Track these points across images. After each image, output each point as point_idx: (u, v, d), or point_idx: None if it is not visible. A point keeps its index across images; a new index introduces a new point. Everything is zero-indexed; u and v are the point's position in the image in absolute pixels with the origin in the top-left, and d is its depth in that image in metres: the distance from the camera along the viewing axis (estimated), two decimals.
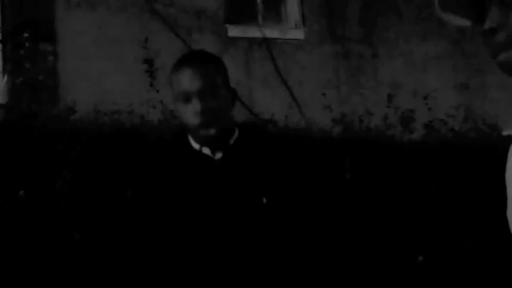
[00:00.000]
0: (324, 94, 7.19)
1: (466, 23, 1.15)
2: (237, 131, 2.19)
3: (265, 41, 7.66)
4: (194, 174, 2.13)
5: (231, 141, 2.17)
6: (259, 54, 7.65)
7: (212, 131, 2.08)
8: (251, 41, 7.64)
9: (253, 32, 7.67)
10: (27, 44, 6.32)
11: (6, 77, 6.47)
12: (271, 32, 7.76)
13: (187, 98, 2.09)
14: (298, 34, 7.89)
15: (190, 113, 2.08)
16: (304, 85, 7.71)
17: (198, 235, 2.08)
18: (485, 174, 5.10)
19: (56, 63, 6.70)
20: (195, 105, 2.07)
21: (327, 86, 7.71)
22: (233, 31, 7.61)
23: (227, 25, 7.58)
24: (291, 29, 7.90)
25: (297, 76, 7.73)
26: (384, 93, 7.14)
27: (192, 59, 2.17)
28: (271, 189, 2.11)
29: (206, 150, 2.15)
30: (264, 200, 2.08)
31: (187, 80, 2.09)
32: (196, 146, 2.16)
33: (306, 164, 2.22)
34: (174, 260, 2.10)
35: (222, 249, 2.07)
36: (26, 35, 6.33)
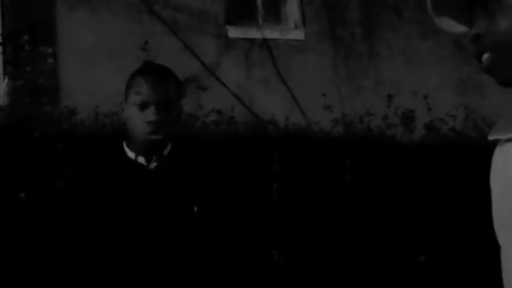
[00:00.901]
0: (324, 94, 7.19)
1: (460, 28, 1.18)
2: (170, 143, 2.32)
3: (266, 42, 7.66)
4: (129, 181, 2.24)
5: (165, 152, 2.29)
6: (260, 55, 7.65)
7: (158, 136, 2.22)
8: (251, 42, 7.64)
9: (253, 33, 7.67)
10: (27, 47, 6.33)
11: (6, 80, 6.47)
12: (272, 33, 7.76)
13: (143, 106, 2.22)
14: (299, 35, 7.89)
15: (142, 120, 2.21)
16: (304, 86, 7.71)
17: (130, 241, 2.19)
18: (486, 174, 5.09)
19: (56, 65, 6.71)
20: (150, 114, 2.20)
21: (328, 86, 7.71)
22: (233, 32, 7.60)
23: (227, 26, 7.58)
24: (291, 30, 7.90)
25: (297, 77, 7.73)
26: (384, 93, 7.14)
27: (158, 71, 2.31)
28: (202, 198, 2.25)
29: (141, 160, 2.27)
30: (195, 209, 2.22)
31: (151, 90, 2.23)
32: (131, 154, 2.29)
33: (233, 176, 2.39)
34: (106, 265, 2.21)
35: (153, 255, 2.18)
36: (26, 37, 6.34)
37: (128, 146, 2.31)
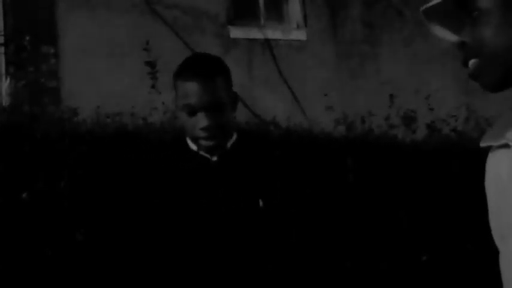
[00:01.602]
0: (326, 95, 7.19)
1: (451, 36, 1.22)
2: (236, 134, 2.17)
3: (267, 42, 7.66)
4: (191, 174, 2.12)
5: (228, 145, 2.14)
6: (262, 55, 7.65)
7: (212, 143, 2.07)
8: (253, 42, 7.64)
9: (255, 33, 7.68)
10: (29, 47, 6.33)
11: (8, 80, 6.48)
12: (273, 33, 7.76)
13: (192, 112, 2.05)
14: (300, 35, 7.89)
15: (194, 126, 2.06)
16: (306, 86, 7.71)
17: (194, 237, 2.06)
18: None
19: (58, 65, 6.71)
20: (201, 120, 2.04)
21: (329, 86, 7.71)
22: (235, 32, 7.61)
23: (229, 26, 7.58)
24: (293, 30, 7.90)
25: (299, 77, 7.73)
26: (386, 94, 7.14)
27: (200, 69, 2.07)
28: (268, 193, 2.08)
29: (203, 152, 2.13)
30: (261, 204, 2.05)
31: (195, 94, 2.04)
32: (194, 147, 2.15)
33: (304, 169, 2.21)
34: (169, 261, 2.08)
35: (218, 251, 2.04)
36: (28, 37, 6.34)
37: (191, 139, 2.16)
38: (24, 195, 3.85)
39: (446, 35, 1.25)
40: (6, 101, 6.31)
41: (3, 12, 6.73)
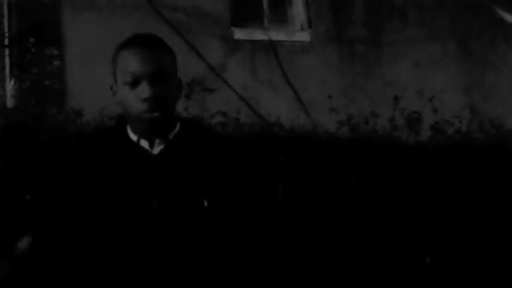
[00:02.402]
0: (330, 96, 7.18)
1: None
2: (179, 125, 2.00)
3: (271, 44, 7.66)
4: (129, 167, 1.94)
5: (171, 136, 1.97)
6: (265, 56, 7.65)
7: (156, 114, 1.90)
8: (257, 43, 7.65)
9: (259, 35, 7.68)
10: (33, 49, 6.34)
11: (13, 82, 6.49)
12: (277, 35, 7.76)
13: (135, 82, 1.92)
14: (304, 36, 7.89)
15: (136, 98, 1.91)
16: (310, 87, 7.71)
17: (127, 235, 1.89)
18: (492, 175, 5.09)
19: (62, 67, 6.72)
20: (143, 90, 1.90)
21: (333, 88, 7.70)
22: (239, 34, 7.61)
23: (233, 28, 7.58)
24: (296, 32, 7.90)
25: (303, 78, 7.73)
26: (390, 95, 7.13)
27: (145, 40, 1.99)
28: (213, 191, 1.91)
29: (144, 143, 1.95)
30: (205, 203, 1.89)
31: (139, 62, 1.93)
32: (134, 137, 1.98)
33: (249, 167, 2.02)
34: (103, 264, 1.92)
35: (153, 255, 1.88)
36: (32, 39, 6.35)
37: (131, 128, 1.99)
38: (27, 196, 3.86)
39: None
40: (10, 103, 6.32)
41: (7, 14, 6.74)
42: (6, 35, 6.52)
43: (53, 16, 6.81)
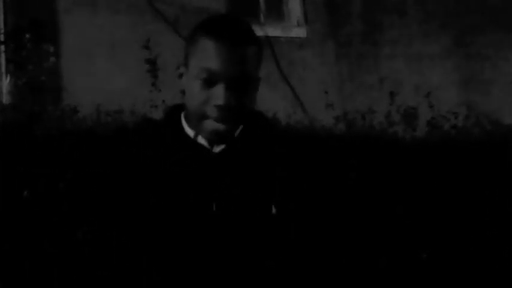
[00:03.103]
0: (326, 92, 7.19)
1: None
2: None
3: (267, 40, 7.66)
4: (185, 166, 1.62)
5: (236, 133, 1.65)
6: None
7: (223, 127, 1.59)
8: None
9: (255, 31, 7.67)
10: (29, 45, 6.33)
11: (8, 78, 6.48)
12: (274, 31, 7.75)
13: (210, 80, 1.56)
14: (301, 32, 7.88)
15: (206, 100, 1.57)
16: (306, 83, 7.70)
17: (181, 243, 1.59)
18: (489, 171, 5.10)
19: (58, 63, 6.71)
20: (219, 95, 1.55)
21: (330, 84, 7.70)
22: None
23: None
24: (293, 28, 7.90)
25: (300, 74, 7.73)
26: (386, 91, 7.14)
27: (235, 33, 1.60)
28: (283, 197, 1.63)
29: (203, 140, 1.63)
30: (274, 210, 1.61)
31: (222, 60, 1.55)
32: (190, 132, 1.65)
33: (326, 168, 1.77)
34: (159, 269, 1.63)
35: (211, 266, 1.59)
36: (28, 36, 6.34)
37: (187, 122, 1.65)
38: (25, 193, 3.86)
39: None
40: (6, 99, 6.31)
41: (3, 10, 6.72)
42: (2, 31, 6.50)
43: (49, 12, 6.79)
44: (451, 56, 8.35)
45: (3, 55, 6.56)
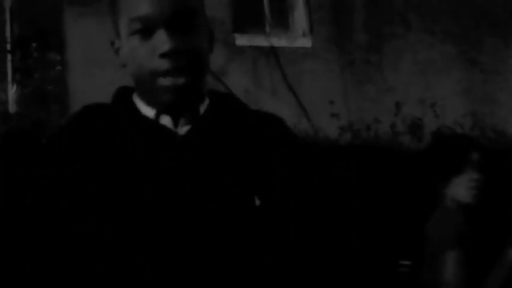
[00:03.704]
0: (331, 102, 7.19)
1: None
2: (207, 98, 1.41)
3: (273, 50, 7.67)
4: (146, 154, 1.30)
5: (202, 110, 1.37)
6: (267, 62, 7.66)
7: (182, 80, 1.29)
8: (259, 49, 7.65)
9: (260, 41, 7.69)
10: (35, 54, 6.35)
11: (15, 87, 6.50)
12: (279, 41, 7.77)
13: (147, 30, 1.29)
14: (306, 42, 7.90)
15: (150, 53, 1.29)
16: (311, 93, 7.71)
17: (149, 247, 1.27)
18: (494, 180, 5.08)
19: (64, 72, 6.73)
20: (161, 41, 1.27)
21: (335, 94, 7.71)
22: (241, 40, 7.62)
23: (235, 34, 7.59)
24: (298, 38, 7.91)
25: (305, 84, 7.74)
26: (391, 101, 7.14)
27: None
28: (267, 185, 1.34)
29: (166, 120, 1.34)
30: (257, 201, 1.32)
31: (150, 1, 1.28)
32: (150, 112, 1.35)
33: (304, 153, 1.48)
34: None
35: (188, 268, 1.28)
36: (34, 45, 6.37)
37: (144, 100, 1.36)
38: (28, 201, 3.86)
39: None
40: (12, 108, 6.33)
41: (10, 20, 6.75)
42: (8, 40, 6.53)
43: (55, 21, 6.82)
44: (456, 66, 8.36)
45: (9, 64, 6.59)
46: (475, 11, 8.53)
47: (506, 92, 8.44)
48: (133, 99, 1.41)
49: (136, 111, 1.37)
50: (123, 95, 1.43)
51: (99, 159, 1.31)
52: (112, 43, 1.41)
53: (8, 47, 6.47)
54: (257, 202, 1.33)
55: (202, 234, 1.28)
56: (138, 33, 1.30)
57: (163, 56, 1.28)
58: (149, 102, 1.36)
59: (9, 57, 6.51)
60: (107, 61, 7.16)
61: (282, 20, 8.02)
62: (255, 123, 1.43)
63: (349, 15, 8.07)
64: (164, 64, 1.28)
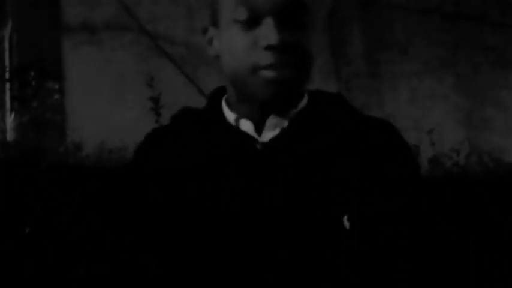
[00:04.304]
0: None
1: None
2: (306, 98, 1.26)
3: None
4: (220, 169, 1.17)
5: (292, 114, 1.22)
6: None
7: (287, 74, 1.13)
8: None
9: None
10: (33, 83, 6.38)
11: (13, 115, 6.52)
12: None
13: (253, 21, 1.14)
14: None
15: (253, 45, 1.15)
16: None
17: (222, 266, 1.15)
18: (491, 207, 5.10)
19: (62, 100, 6.76)
20: (268, 33, 1.12)
21: None
22: None
23: None
24: None
25: None
26: None
27: None
28: (361, 205, 1.16)
29: (246, 125, 1.20)
30: (346, 224, 1.15)
31: None
32: (231, 117, 1.23)
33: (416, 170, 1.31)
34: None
35: None
36: (32, 73, 6.40)
37: (228, 105, 1.25)
38: (27, 230, 3.86)
39: None
40: (10, 136, 6.34)
41: (9, 49, 6.79)
42: (7, 68, 6.56)
43: (54, 50, 6.86)
44: (453, 93, 8.40)
45: (7, 92, 6.62)
46: (472, 39, 8.60)
47: (502, 119, 8.48)
48: (222, 103, 1.28)
49: (221, 115, 1.25)
50: (214, 99, 1.31)
51: (183, 168, 1.21)
52: (204, 31, 1.28)
53: (7, 75, 6.50)
54: (346, 224, 1.15)
55: (279, 260, 1.13)
56: (242, 23, 1.15)
57: (269, 48, 1.13)
58: (233, 107, 1.23)
59: (8, 86, 6.54)
60: (104, 89, 7.19)
61: None
62: (359, 132, 1.24)
63: (345, 43, 8.12)
64: (268, 57, 1.14)
